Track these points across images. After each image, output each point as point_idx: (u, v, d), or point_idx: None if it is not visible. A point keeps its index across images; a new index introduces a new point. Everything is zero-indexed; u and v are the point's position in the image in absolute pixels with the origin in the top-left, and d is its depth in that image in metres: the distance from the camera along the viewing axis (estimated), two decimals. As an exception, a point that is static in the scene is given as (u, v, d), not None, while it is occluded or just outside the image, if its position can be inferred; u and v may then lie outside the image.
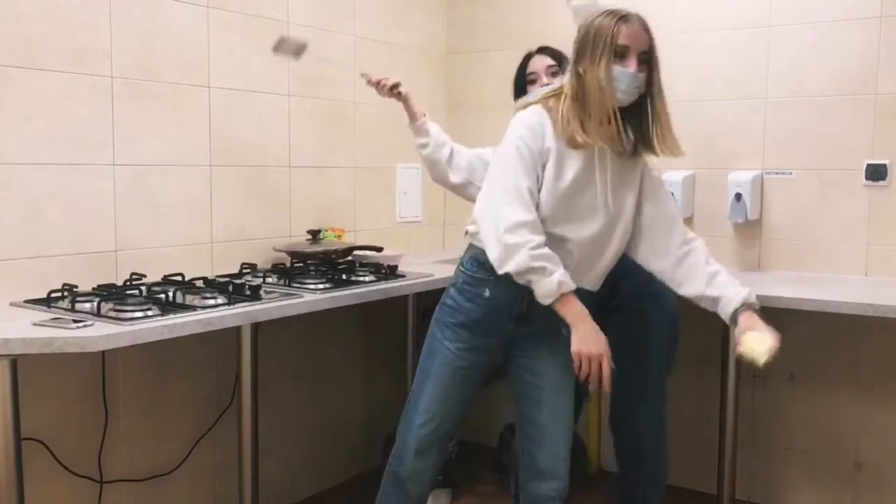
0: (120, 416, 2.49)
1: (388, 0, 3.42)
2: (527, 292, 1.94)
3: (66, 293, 2.20)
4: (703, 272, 2.03)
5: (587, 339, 1.89)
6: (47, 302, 2.15)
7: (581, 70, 1.94)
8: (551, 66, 2.58)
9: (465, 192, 2.57)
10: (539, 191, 1.96)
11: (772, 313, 2.85)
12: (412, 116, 2.58)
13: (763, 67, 3.04)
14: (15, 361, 1.87)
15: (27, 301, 2.18)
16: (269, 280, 2.61)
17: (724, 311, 2.00)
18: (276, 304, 2.28)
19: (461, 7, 3.74)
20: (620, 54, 1.92)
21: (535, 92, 2.39)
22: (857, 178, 2.89)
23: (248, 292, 2.34)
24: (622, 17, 1.94)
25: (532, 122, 1.97)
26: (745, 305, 1.99)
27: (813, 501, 3.01)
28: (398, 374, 3.35)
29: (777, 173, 3.04)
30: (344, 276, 2.67)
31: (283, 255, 2.90)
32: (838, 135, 2.92)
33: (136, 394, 2.54)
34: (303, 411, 3.11)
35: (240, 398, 2.39)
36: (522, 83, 2.64)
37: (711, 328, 2.82)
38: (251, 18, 2.84)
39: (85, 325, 1.91)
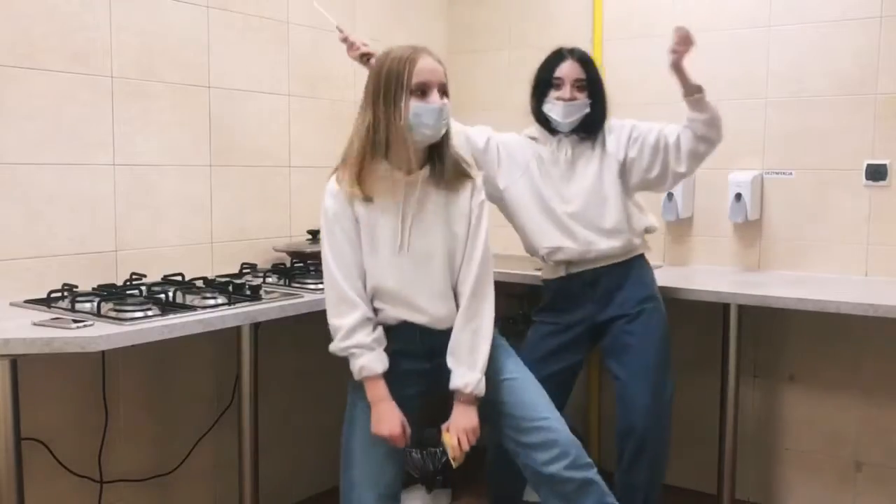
0: (120, 416, 2.49)
1: (388, 0, 3.42)
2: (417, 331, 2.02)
3: (66, 293, 2.20)
4: (454, 347, 1.99)
5: (379, 420, 1.96)
6: (47, 302, 2.16)
7: (382, 115, 1.90)
8: (579, 80, 2.42)
9: None
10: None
11: (772, 313, 2.86)
12: None
13: (763, 67, 3.04)
14: (15, 361, 1.87)
15: (27, 301, 2.18)
16: (269, 280, 2.61)
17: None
18: (276, 304, 2.28)
19: (461, 7, 3.74)
20: (422, 91, 1.89)
21: None
22: (857, 178, 2.89)
23: (248, 292, 2.34)
24: (413, 52, 1.91)
25: (331, 196, 1.99)
26: (455, 394, 1.98)
27: (813, 501, 3.01)
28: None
29: (777, 173, 3.04)
30: (344, 276, 2.67)
31: (283, 255, 2.90)
32: (838, 135, 2.92)
33: (136, 394, 2.54)
34: (302, 411, 3.10)
35: (240, 398, 2.39)
36: (545, 84, 2.47)
37: (711, 329, 2.82)
38: (251, 18, 2.84)
39: (85, 325, 1.91)
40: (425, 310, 2.00)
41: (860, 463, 2.93)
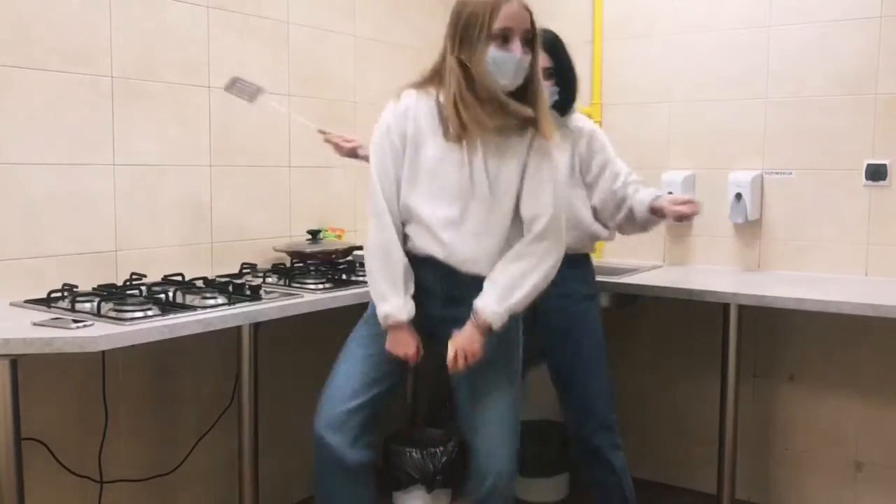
0: (120, 416, 2.49)
1: (387, 0, 3.42)
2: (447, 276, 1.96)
3: (66, 293, 2.20)
4: (496, 274, 1.93)
5: (396, 341, 1.96)
6: (47, 302, 2.15)
7: (462, 57, 1.84)
8: (547, 69, 2.35)
9: None
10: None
11: (772, 313, 2.86)
12: None
13: (763, 67, 3.04)
14: (15, 361, 1.87)
15: (27, 301, 2.18)
16: (269, 280, 2.61)
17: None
18: (276, 304, 2.28)
19: (461, 7, 3.74)
20: (504, 37, 1.83)
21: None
22: (857, 178, 2.89)
23: (248, 292, 2.34)
24: None
25: (398, 109, 1.95)
26: (473, 313, 1.92)
27: (813, 501, 3.01)
28: (398, 374, 3.35)
29: (777, 173, 3.04)
30: (344, 276, 2.67)
31: (283, 255, 2.90)
32: (838, 135, 2.92)
33: (136, 394, 2.54)
34: (303, 411, 3.10)
35: (240, 398, 2.39)
36: None
37: (711, 329, 2.82)
38: (251, 18, 2.84)
39: (85, 325, 1.91)
40: (451, 246, 1.93)
41: (860, 463, 2.93)
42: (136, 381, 2.54)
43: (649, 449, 3.29)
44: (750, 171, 3.05)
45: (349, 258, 2.93)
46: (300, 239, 2.99)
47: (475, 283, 1.94)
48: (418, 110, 1.94)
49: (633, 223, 2.45)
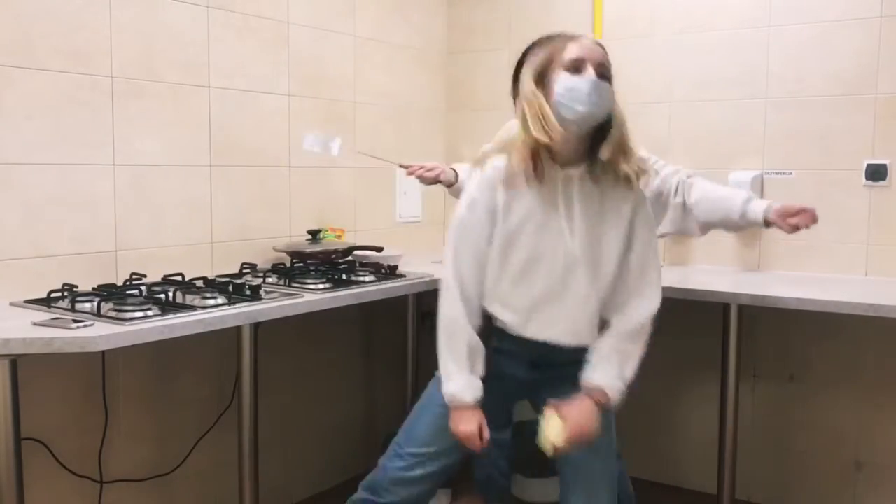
0: (120, 416, 2.49)
1: (388, 0, 3.42)
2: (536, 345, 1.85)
3: (66, 293, 2.20)
4: (609, 349, 1.84)
5: (458, 419, 1.82)
6: (47, 302, 2.15)
7: (533, 98, 1.73)
8: None
9: None
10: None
11: (772, 313, 2.86)
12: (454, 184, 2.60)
13: (763, 67, 3.04)
14: (15, 361, 1.87)
15: (27, 301, 2.18)
16: (269, 280, 2.61)
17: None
18: (276, 304, 2.28)
19: (461, 7, 3.74)
20: (576, 67, 1.71)
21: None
22: (857, 178, 2.89)
23: (248, 292, 2.34)
24: (570, 36, 1.77)
25: (484, 177, 1.82)
26: (587, 389, 1.81)
27: (813, 501, 3.01)
28: (398, 374, 3.35)
29: (777, 173, 3.04)
30: (344, 276, 2.67)
31: (283, 255, 2.90)
32: (838, 135, 2.92)
33: (136, 394, 2.54)
34: (303, 411, 3.11)
35: (240, 398, 2.39)
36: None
37: (711, 329, 2.82)
38: (251, 18, 2.84)
39: (85, 325, 1.91)
40: (555, 325, 1.82)
41: (860, 463, 2.93)
42: (136, 381, 2.54)
43: (649, 449, 3.29)
44: (750, 171, 3.05)
45: (349, 258, 2.93)
46: (300, 239, 2.99)
47: (572, 352, 1.85)
48: (506, 173, 1.79)
49: (726, 227, 2.52)
